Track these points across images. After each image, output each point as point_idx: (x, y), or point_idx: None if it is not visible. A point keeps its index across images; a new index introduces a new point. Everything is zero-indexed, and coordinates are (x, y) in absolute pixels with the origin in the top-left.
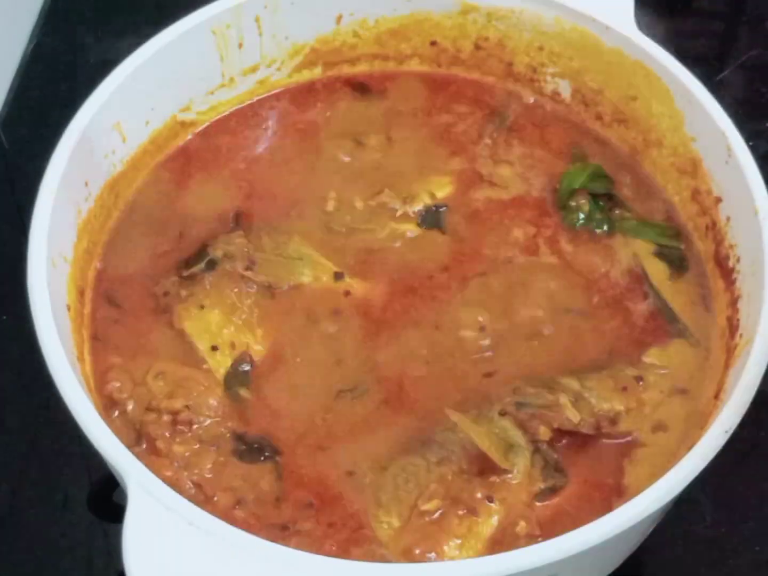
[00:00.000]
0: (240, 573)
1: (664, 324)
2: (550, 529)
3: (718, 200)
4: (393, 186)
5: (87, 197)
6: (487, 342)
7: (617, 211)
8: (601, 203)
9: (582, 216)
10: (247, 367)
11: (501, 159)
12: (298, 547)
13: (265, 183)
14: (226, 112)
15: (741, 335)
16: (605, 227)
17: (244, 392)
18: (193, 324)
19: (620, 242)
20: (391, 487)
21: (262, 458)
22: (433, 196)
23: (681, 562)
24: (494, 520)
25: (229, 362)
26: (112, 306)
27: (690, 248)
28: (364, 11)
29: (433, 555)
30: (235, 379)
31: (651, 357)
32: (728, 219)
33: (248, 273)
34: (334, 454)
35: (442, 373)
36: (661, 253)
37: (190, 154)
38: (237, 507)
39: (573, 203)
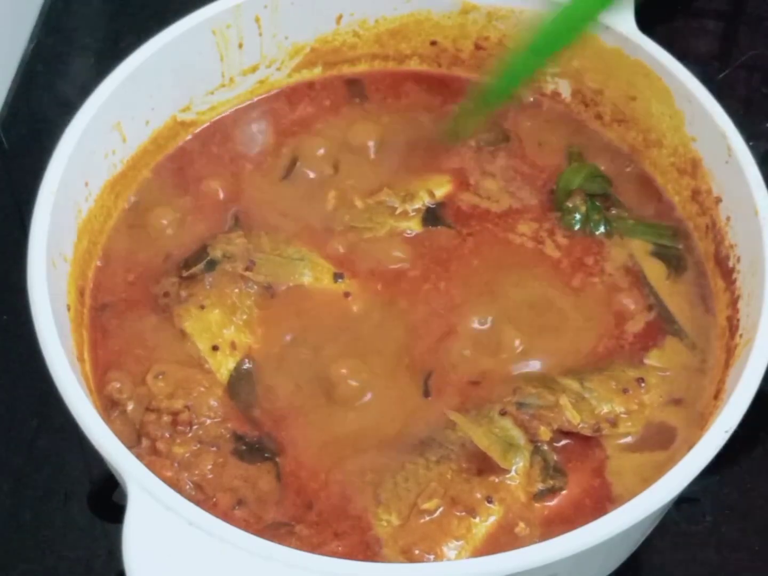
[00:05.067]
0: (240, 573)
1: (664, 325)
2: (549, 529)
3: (718, 200)
4: (392, 184)
5: (87, 197)
6: (488, 341)
7: (614, 211)
8: (597, 204)
9: (579, 217)
10: (247, 365)
11: (500, 166)
12: (298, 547)
13: (264, 183)
14: (226, 112)
15: (741, 335)
16: (602, 227)
17: (250, 398)
18: (193, 324)
19: (618, 243)
20: (390, 485)
21: (262, 459)
22: (432, 194)
23: (681, 562)
24: (493, 520)
25: (229, 362)
26: (112, 306)
27: (690, 248)
28: (364, 11)
29: (432, 556)
30: (239, 383)
31: (652, 359)
32: (728, 219)
33: (248, 273)
34: (334, 454)
35: (444, 372)
36: (659, 253)
37: (189, 154)
38: (237, 507)
39: (570, 204)
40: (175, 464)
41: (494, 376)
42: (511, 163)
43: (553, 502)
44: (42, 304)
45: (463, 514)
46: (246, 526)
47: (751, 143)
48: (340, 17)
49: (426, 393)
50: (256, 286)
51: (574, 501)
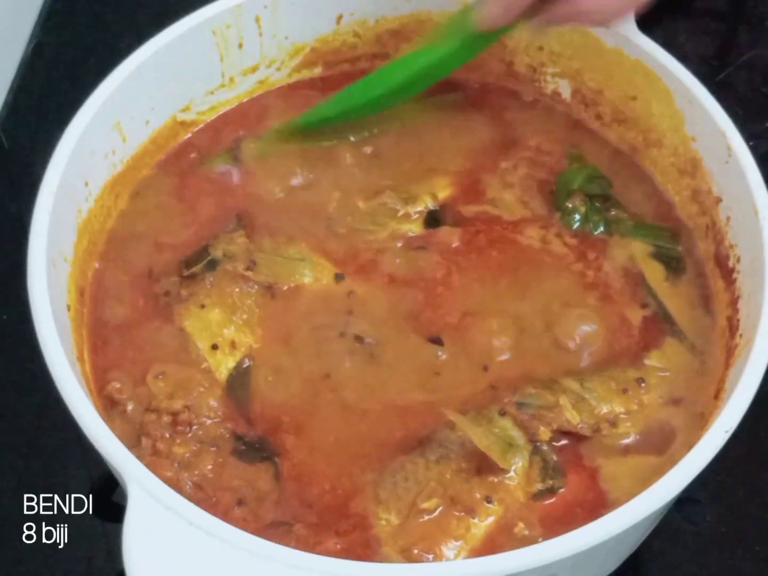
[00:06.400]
0: (240, 573)
1: (664, 326)
2: (548, 529)
3: (718, 200)
4: (394, 187)
5: (87, 197)
6: (489, 343)
7: (614, 212)
8: (597, 204)
9: (578, 217)
10: (247, 365)
11: (503, 169)
12: (297, 546)
13: (266, 182)
14: (226, 112)
15: (741, 335)
16: (602, 228)
17: (249, 397)
18: (193, 323)
19: (618, 244)
20: (390, 484)
21: (262, 458)
22: (434, 196)
23: (681, 562)
24: (492, 520)
25: (229, 361)
26: (112, 306)
27: (690, 248)
28: (364, 11)
29: (431, 555)
30: (238, 382)
31: (652, 359)
32: (728, 219)
33: (249, 273)
34: (334, 453)
35: (445, 373)
36: (658, 255)
37: (189, 154)
38: (237, 507)
39: (569, 204)
40: (175, 464)
41: (497, 375)
42: (512, 164)
43: (553, 502)
44: (42, 304)
45: (462, 513)
46: (246, 525)
47: (751, 143)
48: (340, 17)
49: (427, 392)
50: (256, 286)
51: (574, 501)
